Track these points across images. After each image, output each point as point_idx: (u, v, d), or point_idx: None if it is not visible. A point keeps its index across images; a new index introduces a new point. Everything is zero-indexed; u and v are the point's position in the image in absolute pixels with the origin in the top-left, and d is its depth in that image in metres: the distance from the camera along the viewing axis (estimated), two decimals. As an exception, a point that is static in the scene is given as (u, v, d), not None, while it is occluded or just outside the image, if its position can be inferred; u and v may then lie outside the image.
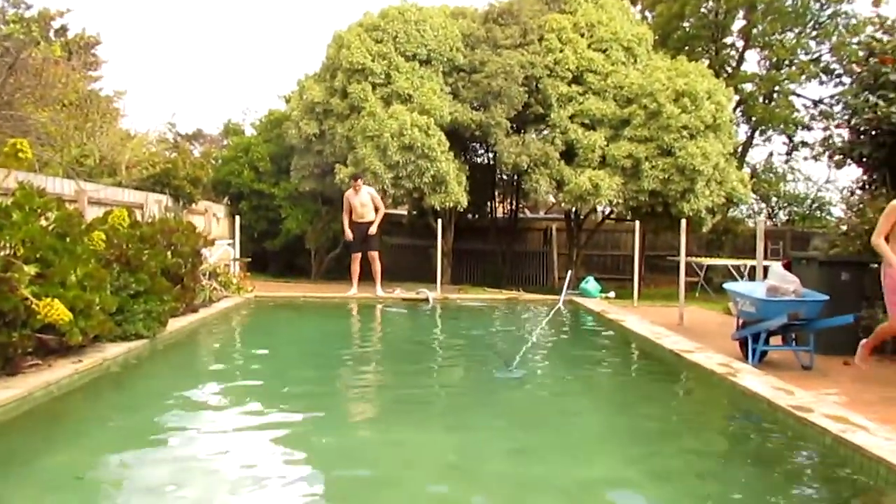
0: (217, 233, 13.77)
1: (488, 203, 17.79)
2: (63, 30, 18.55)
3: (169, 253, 7.69)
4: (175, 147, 18.46)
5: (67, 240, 5.36)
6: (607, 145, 13.74)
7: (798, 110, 20.61)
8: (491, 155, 15.75)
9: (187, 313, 7.79)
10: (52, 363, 4.96)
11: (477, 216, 17.67)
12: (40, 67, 10.66)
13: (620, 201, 13.69)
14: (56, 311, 4.63)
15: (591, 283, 12.22)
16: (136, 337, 6.09)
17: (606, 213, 16.43)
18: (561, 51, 14.22)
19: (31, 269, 4.77)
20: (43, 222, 5.23)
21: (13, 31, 12.11)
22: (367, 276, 11.59)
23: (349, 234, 11.49)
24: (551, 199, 17.89)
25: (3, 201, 4.95)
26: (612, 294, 12.38)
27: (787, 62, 19.93)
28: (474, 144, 16.04)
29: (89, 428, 4.27)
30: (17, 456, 3.67)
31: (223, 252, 11.64)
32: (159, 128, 21.27)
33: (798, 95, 20.66)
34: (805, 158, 21.64)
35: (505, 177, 16.99)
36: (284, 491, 3.36)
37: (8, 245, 4.87)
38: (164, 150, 17.10)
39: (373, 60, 13.67)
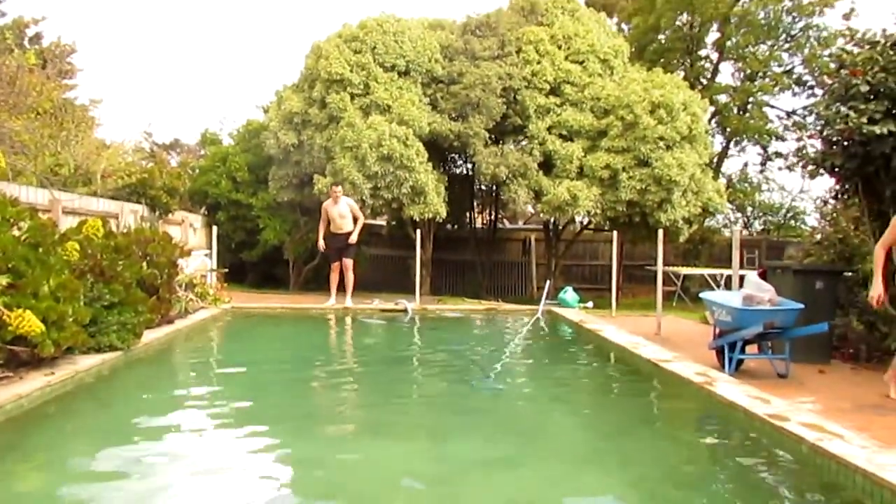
0: (194, 243, 13.63)
1: (467, 214, 17.83)
2: (38, 37, 18.37)
3: (144, 263, 7.60)
4: (152, 156, 18.26)
5: (40, 250, 5.29)
6: (585, 156, 13.84)
7: (772, 121, 20.97)
8: (470, 166, 15.80)
9: (163, 325, 7.70)
10: (23, 375, 4.87)
11: (456, 227, 17.71)
12: (14, 75, 10.53)
13: (598, 211, 13.79)
14: (28, 322, 4.56)
15: (569, 294, 12.28)
16: (109, 349, 6.00)
17: (584, 223, 16.54)
18: (538, 62, 14.32)
19: (2, 280, 4.69)
20: (15, 232, 5.15)
21: (-14, 39, 11.96)
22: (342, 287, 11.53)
23: (322, 245, 11.45)
24: (530, 209, 17.99)
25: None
26: (590, 304, 12.44)
27: (760, 74, 20.26)
28: (453, 155, 16.08)
29: (61, 442, 4.19)
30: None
31: (200, 263, 11.52)
32: (136, 137, 21.11)
33: (772, 107, 21.02)
34: (779, 168, 22.02)
35: (484, 187, 17.05)
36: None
37: (-22, 256, 4.79)
38: (140, 160, 16.92)
39: (351, 71, 13.67)
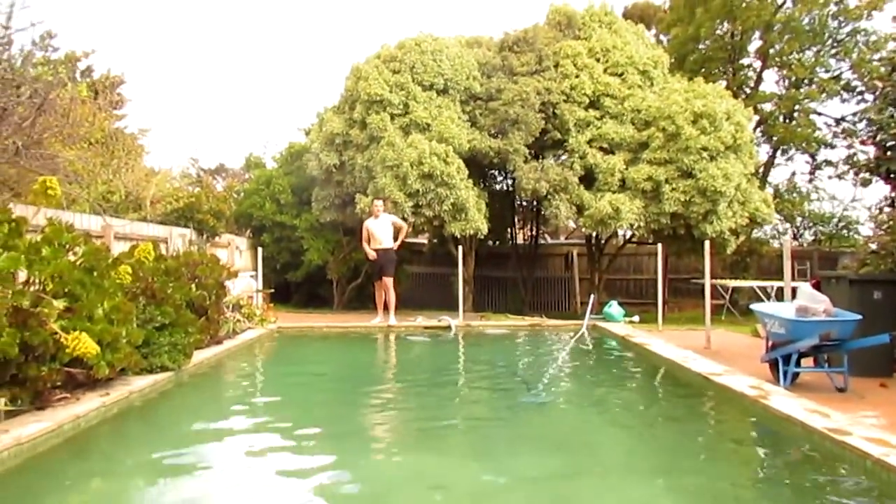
0: (240, 265, 13.88)
1: (508, 229, 17.79)
2: (89, 70, 19.01)
3: (193, 285, 7.75)
4: (198, 181, 18.75)
5: (95, 274, 5.42)
6: (626, 168, 13.71)
7: (819, 128, 20.43)
8: (510, 181, 15.78)
9: (211, 345, 7.83)
10: (80, 396, 4.99)
11: (497, 243, 17.67)
12: (68, 107, 10.89)
13: (642, 224, 13.61)
14: (84, 344, 4.68)
15: (614, 308, 12.11)
16: (161, 369, 6.12)
17: (627, 236, 16.34)
18: (577, 76, 14.29)
19: (59, 304, 4.82)
20: (71, 257, 5.30)
21: (41, 73, 12.44)
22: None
23: (372, 254, 11.27)
24: (571, 224, 17.85)
25: (33, 237, 5.03)
26: (636, 318, 12.25)
27: (806, 80, 19.82)
28: (493, 171, 16.10)
29: (116, 461, 4.28)
30: (45, 489, 3.68)
31: (246, 284, 11.71)
32: (182, 163, 21.66)
33: (819, 114, 20.49)
34: (829, 177, 21.39)
35: (524, 203, 17.01)
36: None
37: (37, 280, 4.94)
38: (187, 185, 17.39)
39: (391, 91, 13.82)
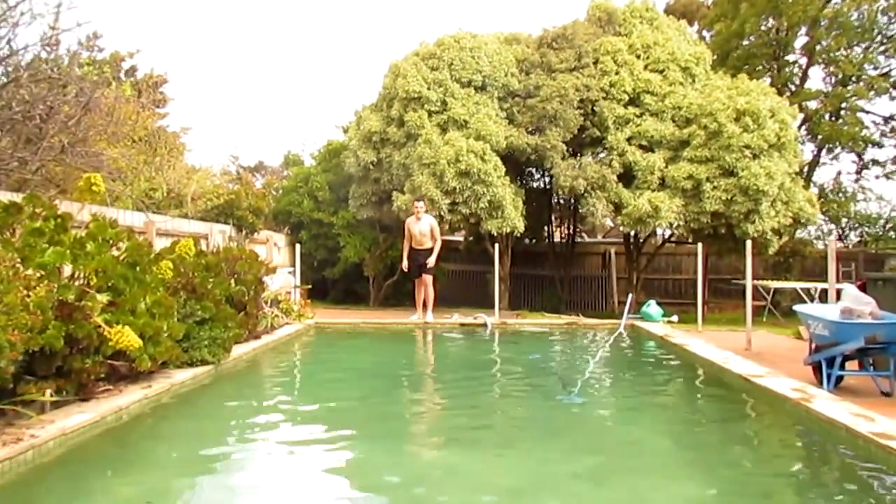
0: (278, 261, 14.05)
1: (545, 227, 17.68)
2: (132, 70, 19.46)
3: (233, 281, 7.87)
4: (238, 179, 19.04)
5: (137, 269, 5.54)
6: (666, 167, 13.51)
7: (867, 127, 19.84)
8: (547, 179, 15.68)
9: (250, 340, 7.94)
10: (122, 388, 5.11)
11: (534, 241, 17.58)
12: (112, 106, 11.16)
13: (681, 223, 13.40)
14: (126, 337, 4.78)
15: (652, 307, 11.96)
16: (201, 363, 6.23)
17: (667, 235, 16.11)
18: (616, 73, 14.13)
19: (103, 298, 4.93)
20: (115, 252, 5.42)
21: (87, 73, 12.77)
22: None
23: (406, 265, 11.46)
24: (609, 222, 17.67)
25: (78, 233, 5.16)
26: (675, 318, 12.08)
27: (853, 78, 19.27)
28: (530, 169, 16.01)
29: (158, 452, 4.36)
30: (89, 478, 3.77)
31: (284, 280, 11.85)
32: (223, 161, 22.02)
33: (867, 112, 19.92)
34: (877, 177, 20.79)
35: (562, 201, 16.89)
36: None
37: (82, 274, 5.06)
38: (227, 182, 17.66)
39: (428, 88, 13.84)
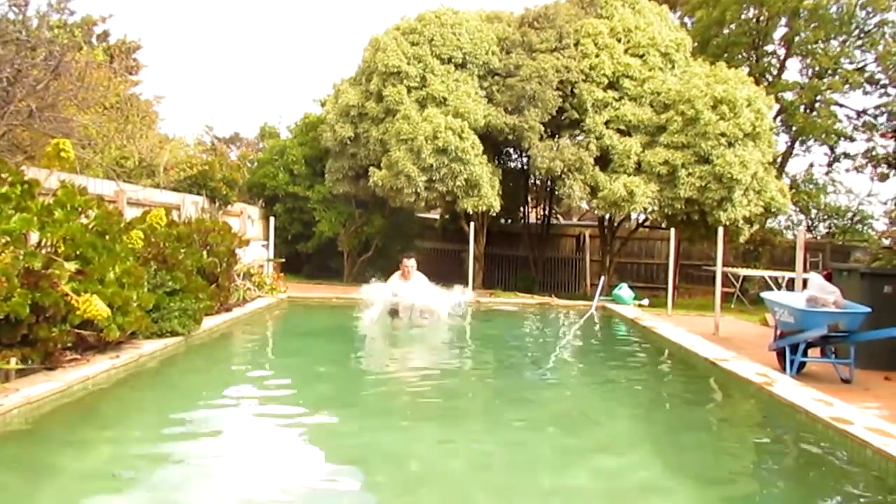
0: (252, 234, 13.93)
1: (521, 208, 17.72)
2: (105, 35, 18.96)
3: (205, 252, 7.80)
4: (212, 150, 18.73)
5: (107, 238, 5.46)
6: (643, 151, 13.59)
7: (840, 120, 20.10)
8: (524, 159, 15.69)
9: (221, 312, 7.89)
10: (90, 358, 5.05)
11: (509, 221, 17.62)
12: (83, 71, 10.87)
13: (655, 208, 13.52)
14: (94, 307, 4.72)
15: (624, 290, 12.10)
16: (171, 334, 6.18)
17: (641, 220, 16.25)
18: (597, 55, 14.12)
19: (71, 266, 4.86)
20: (83, 220, 5.33)
21: (57, 35, 12.42)
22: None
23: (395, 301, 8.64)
24: (585, 205, 17.75)
25: (45, 200, 5.06)
26: (645, 301, 12.23)
27: (830, 71, 19.46)
28: (508, 149, 16.01)
29: (125, 422, 4.34)
30: (54, 447, 3.74)
31: (258, 253, 11.76)
32: (197, 131, 21.66)
33: (841, 105, 20.17)
34: (847, 170, 21.10)
35: (538, 182, 16.92)
36: (305, 483, 3.39)
37: (49, 242, 4.98)
38: (201, 153, 17.38)
39: (408, 63, 13.72)
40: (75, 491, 3.27)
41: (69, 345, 4.90)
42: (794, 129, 19.60)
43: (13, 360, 4.35)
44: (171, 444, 3.94)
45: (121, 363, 5.12)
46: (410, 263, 8.78)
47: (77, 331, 4.93)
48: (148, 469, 3.55)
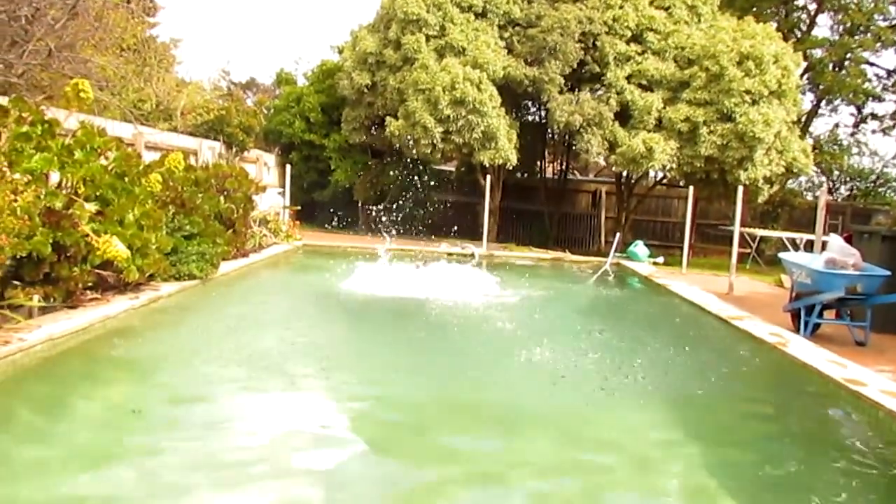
0: (268, 181, 13.94)
1: (538, 162, 17.56)
2: (123, -26, 18.69)
3: (222, 198, 7.82)
4: (229, 95, 18.63)
5: (126, 180, 5.48)
6: (664, 108, 13.36)
7: (870, 80, 19.57)
8: (543, 113, 15.48)
9: (238, 257, 7.96)
10: (110, 298, 5.14)
11: (526, 175, 17.49)
12: (100, 12, 10.77)
13: (674, 166, 13.35)
14: (114, 247, 4.77)
15: (639, 247, 12.07)
16: (188, 277, 6.26)
17: (659, 178, 16.08)
18: (621, 7, 13.78)
19: (91, 207, 4.90)
20: (103, 162, 5.34)
21: (75, -27, 12.25)
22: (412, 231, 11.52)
23: None
24: (602, 161, 17.56)
25: (65, 140, 5.07)
26: (660, 259, 12.20)
27: (862, 27, 18.87)
28: (526, 101, 15.78)
29: (144, 361, 4.42)
30: (76, 382, 3.83)
31: (274, 200, 11.79)
32: (214, 75, 21.49)
33: (871, 64, 19.62)
34: (873, 132, 20.67)
35: (556, 136, 16.72)
36: (302, 425, 3.46)
37: (70, 182, 5.01)
38: (217, 98, 17.28)
39: (428, 11, 13.47)
40: (98, 425, 3.36)
41: (90, 285, 4.98)
42: (820, 87, 19.13)
43: (36, 298, 4.42)
44: (188, 382, 4.02)
45: (140, 304, 5.20)
46: None
47: (97, 271, 4.99)
48: (165, 407, 3.63)
